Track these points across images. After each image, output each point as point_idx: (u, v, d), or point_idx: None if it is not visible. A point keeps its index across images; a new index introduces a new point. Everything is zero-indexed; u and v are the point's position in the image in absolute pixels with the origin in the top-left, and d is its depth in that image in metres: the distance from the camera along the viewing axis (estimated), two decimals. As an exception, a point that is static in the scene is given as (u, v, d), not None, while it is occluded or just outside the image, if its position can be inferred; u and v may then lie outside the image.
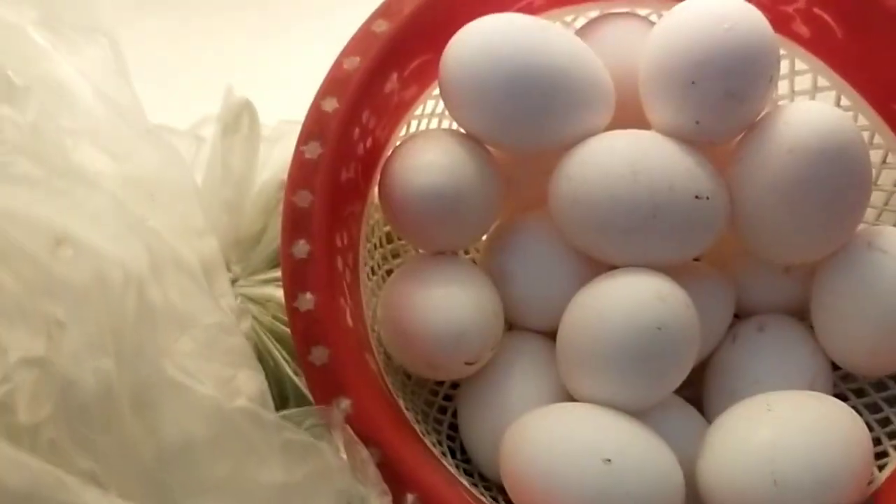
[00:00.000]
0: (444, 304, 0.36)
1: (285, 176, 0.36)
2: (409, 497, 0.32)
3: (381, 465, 0.32)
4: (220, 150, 0.41)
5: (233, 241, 0.40)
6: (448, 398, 0.41)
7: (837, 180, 0.35)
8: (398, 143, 0.39)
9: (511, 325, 0.40)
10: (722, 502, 0.34)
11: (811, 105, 0.37)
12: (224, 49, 0.55)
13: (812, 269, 0.39)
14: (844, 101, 0.40)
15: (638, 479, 0.33)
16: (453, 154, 0.37)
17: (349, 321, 0.35)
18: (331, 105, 0.36)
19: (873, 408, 0.39)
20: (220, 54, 0.55)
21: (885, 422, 0.38)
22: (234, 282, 0.40)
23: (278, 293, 0.38)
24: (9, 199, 0.29)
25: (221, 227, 0.40)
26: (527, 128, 0.37)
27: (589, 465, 0.33)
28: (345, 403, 0.33)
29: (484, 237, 0.41)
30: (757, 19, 0.36)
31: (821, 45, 0.40)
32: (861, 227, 0.38)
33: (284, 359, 0.38)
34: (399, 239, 0.41)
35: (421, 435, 0.36)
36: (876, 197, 0.40)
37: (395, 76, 0.38)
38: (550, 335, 0.38)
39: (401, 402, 0.36)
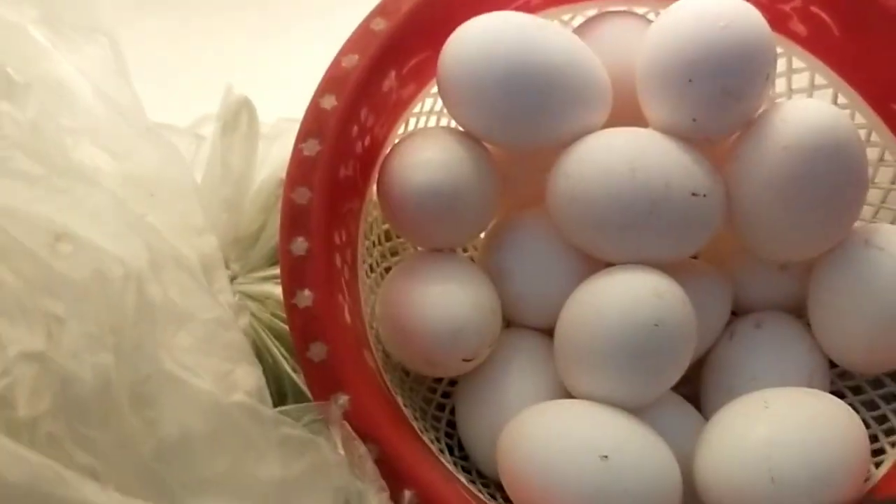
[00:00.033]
0: (442, 301, 0.36)
1: (284, 174, 0.36)
2: (407, 493, 0.32)
3: (378, 461, 0.32)
4: (219, 149, 0.41)
5: (232, 239, 0.41)
6: (446, 395, 0.41)
7: (834, 177, 0.35)
8: (396, 140, 0.39)
9: (509, 323, 0.40)
10: (719, 499, 0.34)
11: (808, 103, 0.37)
12: (224, 49, 0.55)
13: (809, 267, 0.39)
14: (841, 100, 0.40)
15: (635, 475, 0.33)
16: (451, 152, 0.37)
17: (347, 318, 0.35)
18: (329, 103, 0.36)
19: (870, 405, 0.39)
20: (220, 54, 0.55)
21: (881, 419, 0.38)
22: (233, 279, 0.40)
23: (277, 290, 0.39)
24: (8, 195, 0.29)
25: (221, 225, 0.40)
26: (524, 125, 0.37)
27: (586, 462, 0.33)
28: (343, 399, 0.33)
29: (482, 235, 0.41)
30: (754, 17, 0.36)
31: (818, 44, 0.40)
32: (858, 224, 0.38)
33: (283, 356, 0.38)
34: (397, 237, 0.42)
35: (419, 432, 0.36)
36: (873, 194, 0.41)
37: (393, 74, 0.38)
38: (548, 332, 0.38)
39: (399, 399, 0.36)
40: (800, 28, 0.40)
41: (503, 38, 0.36)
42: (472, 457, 0.39)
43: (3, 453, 0.25)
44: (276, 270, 0.38)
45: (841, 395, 0.38)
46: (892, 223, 0.40)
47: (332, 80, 0.37)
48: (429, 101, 0.41)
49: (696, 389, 0.40)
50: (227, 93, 0.42)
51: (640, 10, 0.42)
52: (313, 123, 0.36)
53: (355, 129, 0.37)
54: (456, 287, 0.37)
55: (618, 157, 0.36)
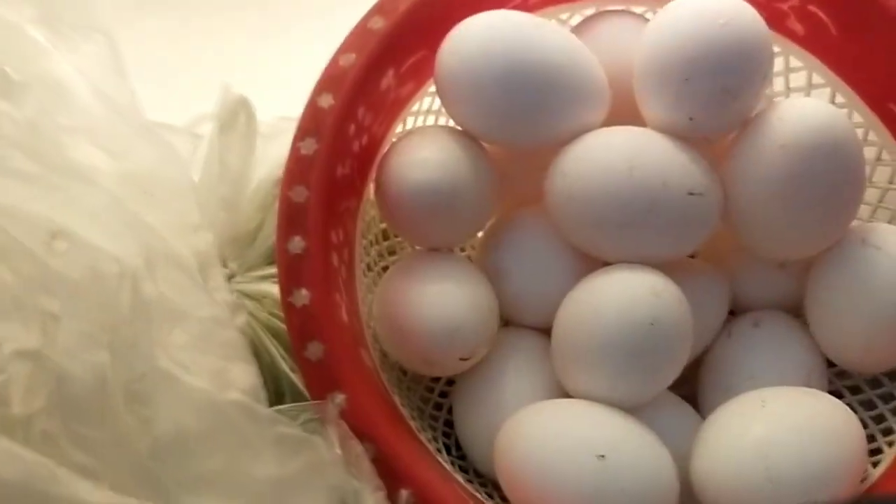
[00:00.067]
0: (439, 300, 0.36)
1: (282, 172, 0.36)
2: (404, 493, 0.32)
3: (375, 460, 0.32)
4: (216, 148, 0.41)
5: (229, 238, 0.41)
6: (443, 394, 0.41)
7: (831, 176, 0.35)
8: (394, 139, 0.39)
9: (506, 322, 0.40)
10: (716, 498, 0.34)
11: (805, 101, 0.37)
12: (224, 49, 0.55)
13: (807, 266, 0.39)
14: (839, 99, 0.40)
15: (632, 475, 0.33)
16: (449, 150, 0.37)
17: (344, 317, 0.35)
18: (327, 101, 0.36)
19: (868, 405, 0.39)
20: (220, 54, 0.55)
21: (879, 419, 0.38)
22: (230, 278, 0.40)
23: (274, 289, 0.38)
24: (5, 194, 0.29)
25: (218, 224, 0.40)
26: (522, 124, 0.37)
27: (583, 462, 0.33)
28: (339, 398, 0.33)
29: (479, 234, 0.41)
30: (751, 16, 0.36)
31: (815, 43, 0.40)
32: (855, 223, 0.38)
33: (281, 355, 0.38)
34: (395, 236, 0.41)
35: (416, 431, 0.36)
36: (870, 194, 0.40)
37: (391, 73, 0.38)
38: (545, 331, 0.38)
39: (396, 399, 0.36)
40: (797, 27, 0.40)
41: (501, 36, 0.36)
42: (470, 456, 0.39)
43: (-3, 451, 0.25)
44: (274, 269, 0.38)
45: (839, 395, 0.38)
46: (889, 222, 0.40)
47: (330, 79, 0.37)
48: (427, 100, 0.41)
49: (694, 389, 0.39)
50: (224, 92, 0.42)
51: (638, 9, 0.42)
52: (311, 122, 0.36)
53: (353, 127, 0.37)
54: (453, 286, 0.37)
55: (616, 155, 0.36)
